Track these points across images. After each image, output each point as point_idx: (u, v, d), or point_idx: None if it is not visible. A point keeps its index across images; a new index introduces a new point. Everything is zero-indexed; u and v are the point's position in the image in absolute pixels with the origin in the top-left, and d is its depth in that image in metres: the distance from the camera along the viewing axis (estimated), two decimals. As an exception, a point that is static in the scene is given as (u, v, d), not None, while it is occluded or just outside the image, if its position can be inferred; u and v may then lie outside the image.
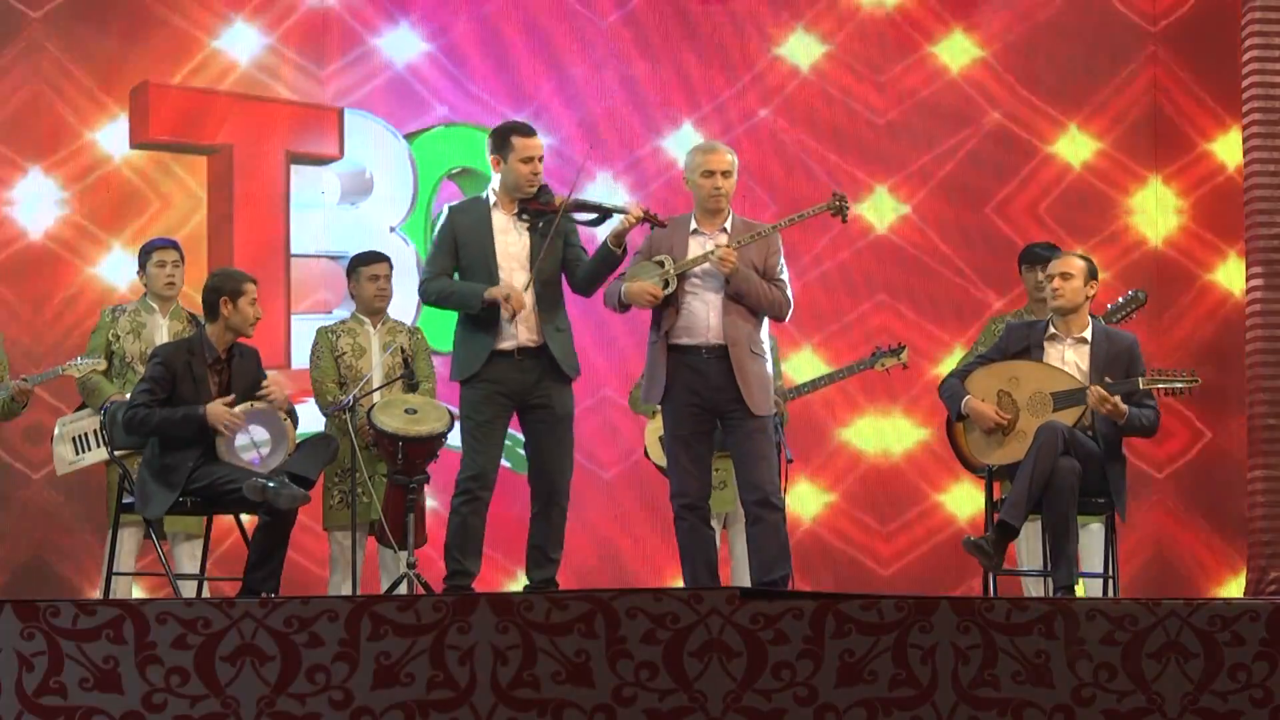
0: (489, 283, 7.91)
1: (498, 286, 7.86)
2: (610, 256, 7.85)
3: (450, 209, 8.19)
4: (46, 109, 10.07)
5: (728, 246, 7.69)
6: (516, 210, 7.93)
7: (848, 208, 7.96)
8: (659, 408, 8.69)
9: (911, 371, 9.62)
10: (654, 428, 8.93)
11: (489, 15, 10.45)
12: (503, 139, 7.96)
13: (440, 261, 8.04)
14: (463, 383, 7.97)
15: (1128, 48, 10.69)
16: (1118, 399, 7.90)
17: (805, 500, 10.34)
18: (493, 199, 8.00)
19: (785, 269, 7.85)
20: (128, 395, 8.62)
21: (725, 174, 7.77)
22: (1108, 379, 7.97)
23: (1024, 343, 8.18)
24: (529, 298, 7.88)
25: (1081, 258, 8.22)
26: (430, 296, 8.10)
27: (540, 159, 7.94)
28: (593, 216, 7.98)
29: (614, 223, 7.93)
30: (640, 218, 7.79)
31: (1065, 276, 8.10)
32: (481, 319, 7.90)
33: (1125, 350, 8.08)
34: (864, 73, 10.61)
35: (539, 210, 7.90)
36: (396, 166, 10.44)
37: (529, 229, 7.92)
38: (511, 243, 7.94)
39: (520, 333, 7.89)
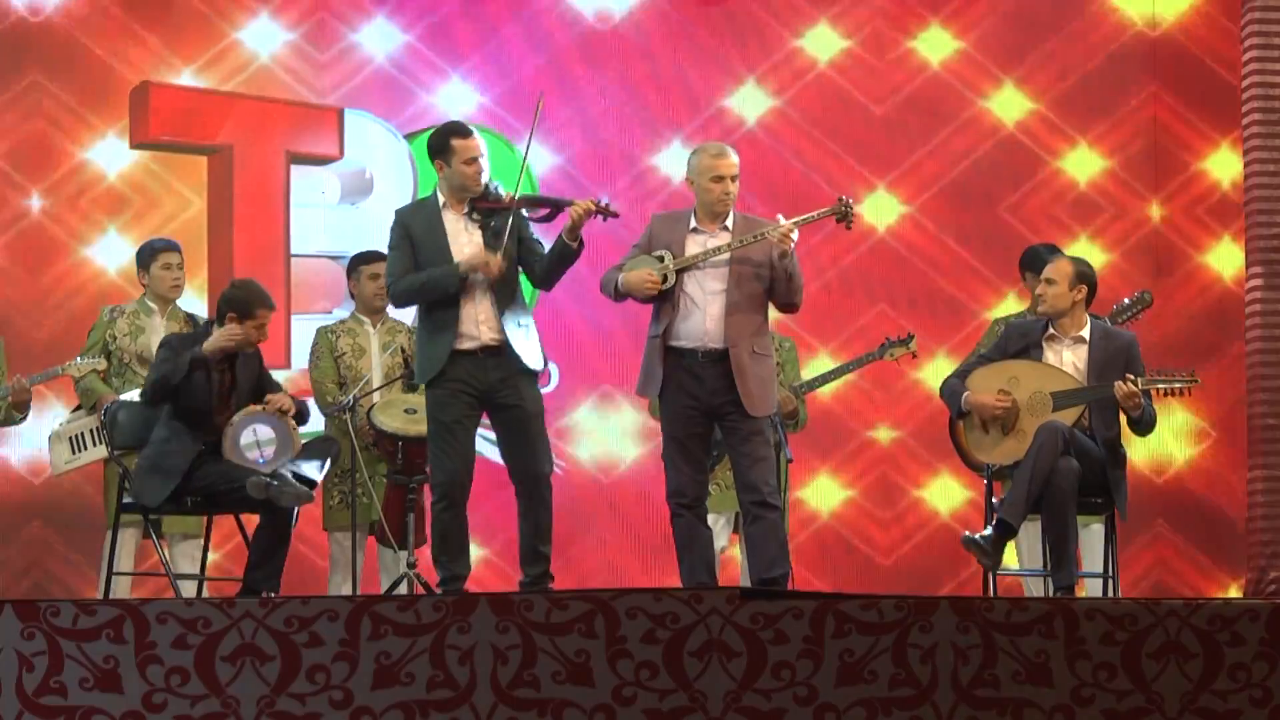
0: None
1: (470, 256, 7.77)
2: (567, 250, 7.80)
3: (398, 213, 8.07)
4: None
5: (790, 225, 7.64)
6: (466, 210, 7.90)
7: (853, 213, 7.95)
8: None
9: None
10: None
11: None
12: (442, 142, 7.90)
13: (401, 261, 7.93)
14: (427, 386, 7.93)
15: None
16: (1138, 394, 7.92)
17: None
18: (441, 200, 7.96)
19: None
20: (124, 396, 8.66)
21: (733, 178, 7.76)
22: (1129, 375, 7.95)
23: (1023, 342, 8.19)
24: (498, 262, 7.78)
25: (1072, 261, 8.23)
26: (401, 298, 8.00)
27: (482, 157, 7.88)
28: (545, 212, 7.93)
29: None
30: (591, 210, 7.72)
31: (1049, 282, 8.14)
32: (441, 320, 7.82)
33: (1123, 349, 8.09)
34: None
35: (489, 209, 7.86)
36: (396, 166, 10.44)
37: (480, 227, 7.89)
38: (465, 244, 7.88)
39: (482, 332, 7.83)
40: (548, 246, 7.91)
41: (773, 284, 7.74)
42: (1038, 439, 7.85)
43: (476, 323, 7.81)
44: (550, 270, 7.90)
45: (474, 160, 7.84)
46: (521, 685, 6.44)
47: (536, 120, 8.00)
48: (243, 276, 8.98)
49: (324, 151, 10.39)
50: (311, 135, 10.36)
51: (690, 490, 7.77)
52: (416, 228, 7.92)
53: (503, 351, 7.82)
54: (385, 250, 9.27)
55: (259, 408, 8.09)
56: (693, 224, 7.81)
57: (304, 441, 8.24)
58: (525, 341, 7.85)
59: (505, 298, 7.85)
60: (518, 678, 6.44)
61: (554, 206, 7.88)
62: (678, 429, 7.77)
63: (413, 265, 7.89)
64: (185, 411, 8.04)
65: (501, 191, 7.88)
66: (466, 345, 7.82)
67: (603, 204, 7.78)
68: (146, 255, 9.09)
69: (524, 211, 7.89)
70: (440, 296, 7.83)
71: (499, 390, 7.82)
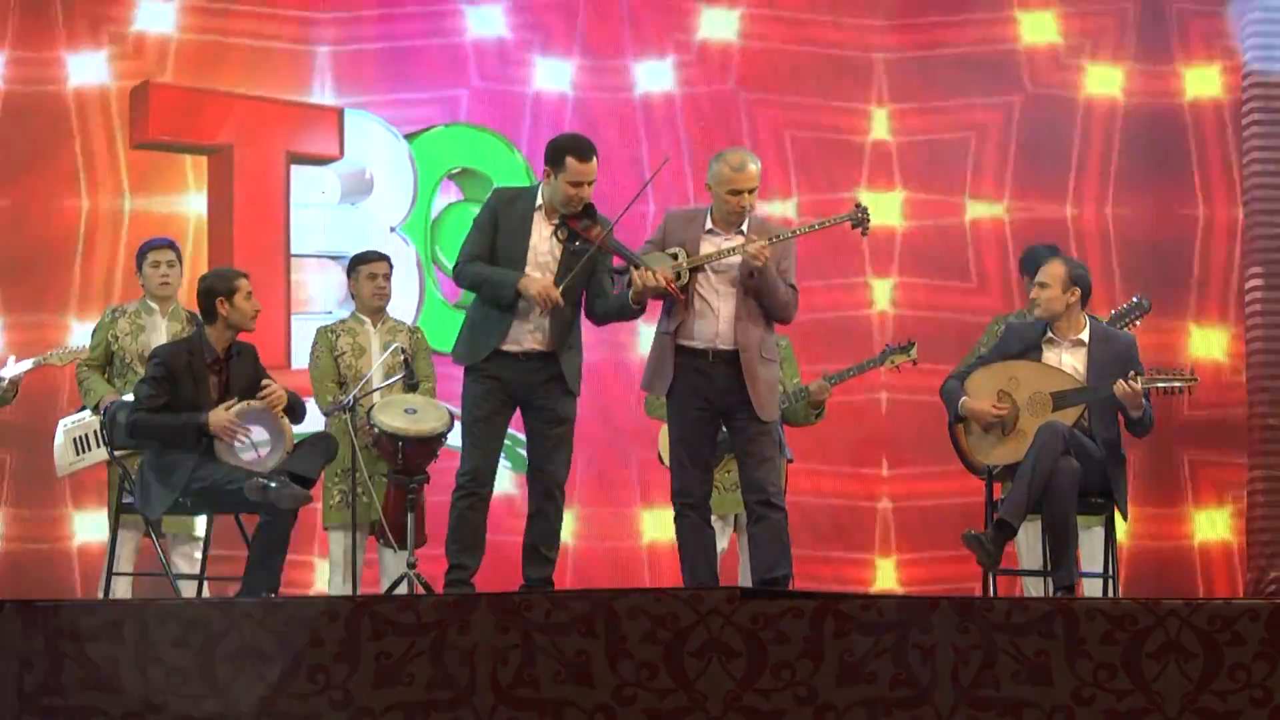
0: None
1: (535, 280, 7.79)
2: (628, 310, 7.85)
3: (497, 192, 8.15)
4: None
5: (762, 243, 7.62)
6: (557, 221, 7.89)
7: (869, 220, 7.94)
8: None
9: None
10: (667, 433, 8.92)
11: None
12: (558, 156, 7.83)
13: (479, 243, 7.93)
14: (466, 371, 7.96)
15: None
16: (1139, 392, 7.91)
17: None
18: (539, 200, 7.96)
19: (794, 272, 7.83)
20: (125, 395, 8.65)
21: (751, 191, 7.74)
22: (1135, 374, 7.95)
23: (1023, 344, 8.18)
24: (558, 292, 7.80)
25: (1065, 263, 8.21)
26: (464, 279, 8.00)
27: (590, 184, 7.82)
28: (622, 265, 7.88)
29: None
30: (659, 287, 7.67)
31: (1042, 285, 8.13)
32: (494, 317, 7.85)
33: (1123, 352, 8.08)
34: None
35: (575, 234, 7.84)
36: (396, 166, 10.44)
37: (562, 244, 7.88)
38: (543, 252, 7.89)
39: (526, 341, 7.86)
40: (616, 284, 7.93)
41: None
42: (1038, 439, 7.85)
43: (526, 332, 7.84)
44: (607, 315, 7.97)
45: (580, 184, 7.80)
46: (521, 685, 6.44)
47: (655, 175, 8.12)
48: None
49: (324, 151, 10.39)
50: (311, 135, 10.37)
51: (696, 490, 7.78)
52: (506, 216, 7.93)
53: (546, 359, 7.84)
54: (383, 250, 9.36)
55: (251, 404, 8.07)
56: (708, 225, 7.80)
57: (299, 439, 8.23)
58: (569, 362, 7.88)
59: (561, 320, 7.86)
60: (518, 678, 6.44)
61: (632, 265, 7.80)
62: (686, 429, 7.77)
63: (489, 250, 7.91)
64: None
65: (594, 223, 7.83)
66: (510, 348, 7.85)
67: (675, 286, 7.70)
68: (140, 254, 9.09)
69: (605, 251, 7.88)
70: (491, 300, 7.87)
71: (534, 392, 7.86)
